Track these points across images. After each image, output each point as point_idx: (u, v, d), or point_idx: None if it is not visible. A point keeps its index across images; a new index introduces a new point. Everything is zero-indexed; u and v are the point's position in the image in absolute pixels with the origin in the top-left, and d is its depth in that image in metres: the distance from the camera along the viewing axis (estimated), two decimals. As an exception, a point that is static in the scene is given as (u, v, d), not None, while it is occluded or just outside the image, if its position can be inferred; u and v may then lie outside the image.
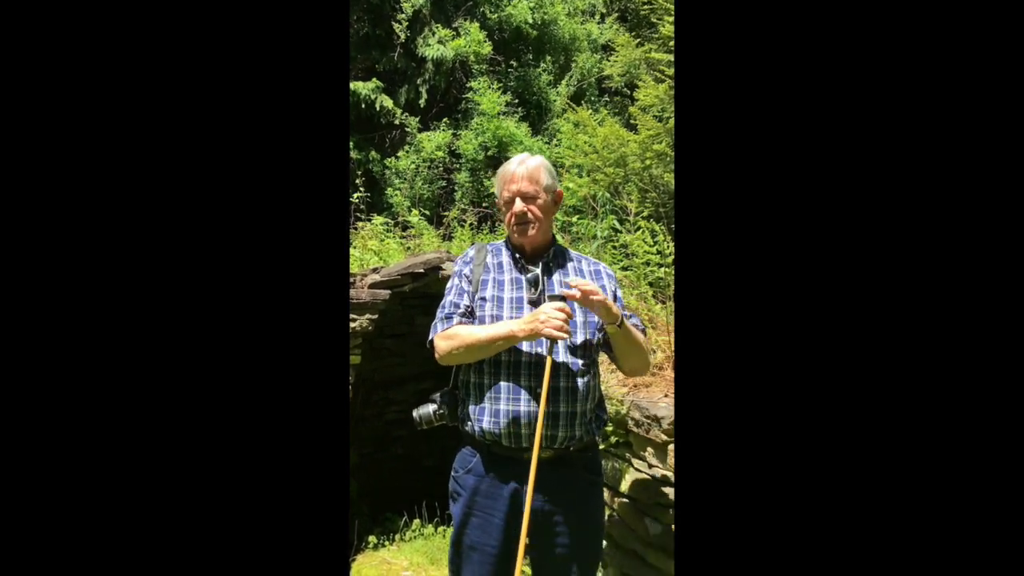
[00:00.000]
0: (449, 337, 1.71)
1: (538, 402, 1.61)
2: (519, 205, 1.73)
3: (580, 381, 1.68)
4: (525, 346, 1.67)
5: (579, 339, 1.70)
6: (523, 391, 1.65)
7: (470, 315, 1.75)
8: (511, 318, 1.69)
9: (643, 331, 1.80)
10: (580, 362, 1.69)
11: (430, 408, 1.84)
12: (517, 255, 1.80)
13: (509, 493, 1.68)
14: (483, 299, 1.75)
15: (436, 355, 1.75)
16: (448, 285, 1.83)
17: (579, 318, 1.72)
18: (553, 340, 1.59)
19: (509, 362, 1.67)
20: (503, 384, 1.67)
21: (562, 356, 1.67)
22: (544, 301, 1.67)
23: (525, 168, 1.74)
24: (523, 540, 1.58)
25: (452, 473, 1.81)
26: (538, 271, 1.74)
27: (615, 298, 1.79)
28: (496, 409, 1.67)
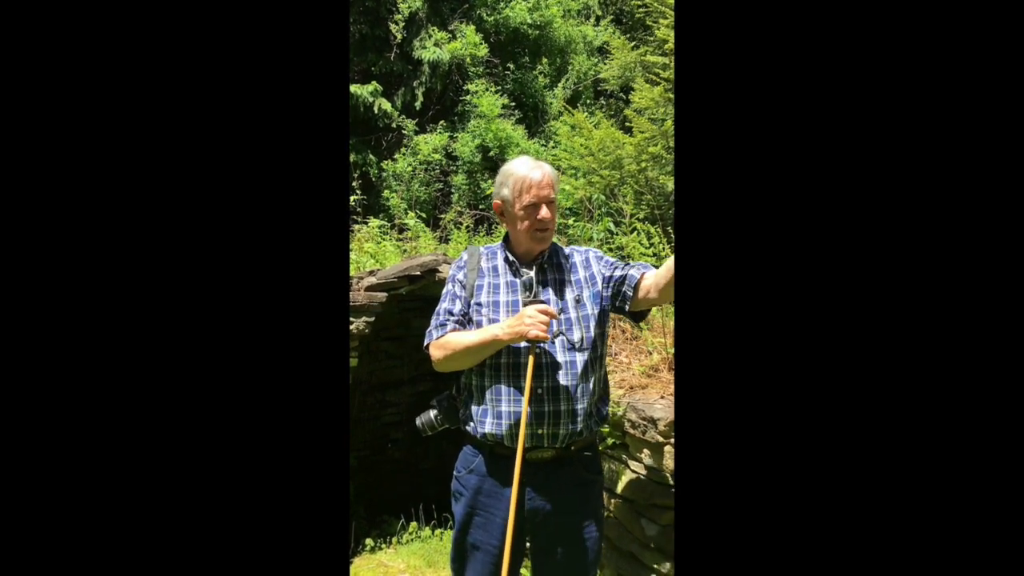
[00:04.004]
0: (442, 346, 1.74)
1: (539, 403, 1.65)
2: (545, 212, 1.72)
3: (579, 378, 1.69)
4: (524, 348, 1.68)
5: (575, 335, 1.70)
6: (523, 392, 1.65)
7: (464, 320, 1.77)
8: None
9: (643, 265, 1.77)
10: (579, 358, 1.69)
11: (431, 414, 1.87)
12: (511, 258, 1.80)
13: (511, 493, 1.69)
14: (479, 304, 1.76)
15: (433, 362, 1.78)
16: (443, 291, 1.85)
17: (573, 314, 1.73)
18: (536, 341, 1.61)
19: (508, 364, 1.69)
20: (503, 386, 1.68)
21: (560, 354, 1.69)
22: (539, 303, 1.69)
23: (543, 173, 1.74)
24: (509, 537, 1.60)
25: (455, 473, 1.83)
26: (532, 274, 1.75)
27: (612, 265, 1.79)
28: (498, 411, 1.68)
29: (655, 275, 1.69)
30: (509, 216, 1.79)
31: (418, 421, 1.88)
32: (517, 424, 1.65)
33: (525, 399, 1.62)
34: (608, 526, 2.47)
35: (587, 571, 1.74)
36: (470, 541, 1.75)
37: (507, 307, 1.74)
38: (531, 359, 1.63)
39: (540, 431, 1.66)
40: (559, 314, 1.71)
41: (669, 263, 1.61)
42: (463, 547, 1.77)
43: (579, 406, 1.68)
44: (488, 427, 1.70)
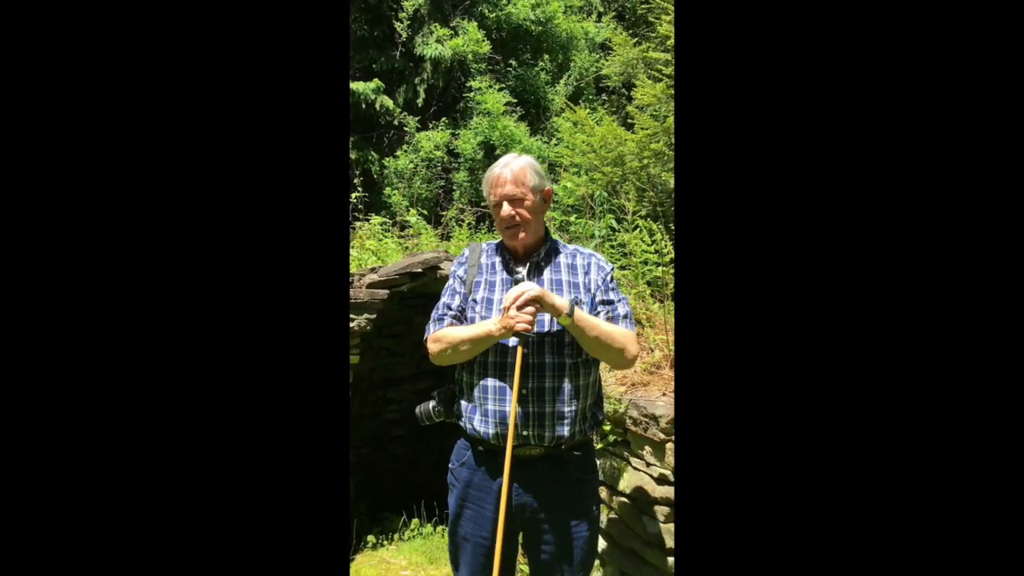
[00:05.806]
0: (438, 339, 1.75)
1: (523, 403, 1.65)
2: (506, 209, 1.72)
3: (567, 380, 1.69)
4: (512, 347, 1.68)
5: (567, 337, 1.70)
6: (509, 391, 1.66)
7: (462, 316, 1.78)
8: None
9: (626, 316, 1.74)
10: (567, 362, 1.69)
11: (430, 405, 1.89)
12: (507, 256, 1.81)
13: (499, 487, 1.70)
14: (475, 300, 1.77)
15: (429, 356, 1.80)
16: (444, 286, 1.87)
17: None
18: (521, 334, 1.60)
19: (496, 363, 1.70)
20: (490, 384, 1.70)
21: (549, 356, 1.69)
22: (523, 284, 1.69)
23: (510, 171, 1.74)
24: (500, 534, 1.60)
25: (449, 465, 1.85)
26: (523, 272, 1.75)
27: (607, 288, 1.77)
28: (485, 409, 1.70)
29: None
30: (493, 214, 1.81)
31: (417, 410, 1.91)
32: (502, 423, 1.66)
33: (513, 396, 1.62)
34: (609, 523, 2.47)
35: (576, 570, 1.74)
36: (461, 534, 1.77)
37: (500, 305, 1.73)
38: (519, 352, 1.63)
39: (525, 432, 1.66)
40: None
41: (604, 329, 1.64)
42: (456, 539, 1.80)
43: (566, 408, 1.68)
44: (476, 424, 1.71)
